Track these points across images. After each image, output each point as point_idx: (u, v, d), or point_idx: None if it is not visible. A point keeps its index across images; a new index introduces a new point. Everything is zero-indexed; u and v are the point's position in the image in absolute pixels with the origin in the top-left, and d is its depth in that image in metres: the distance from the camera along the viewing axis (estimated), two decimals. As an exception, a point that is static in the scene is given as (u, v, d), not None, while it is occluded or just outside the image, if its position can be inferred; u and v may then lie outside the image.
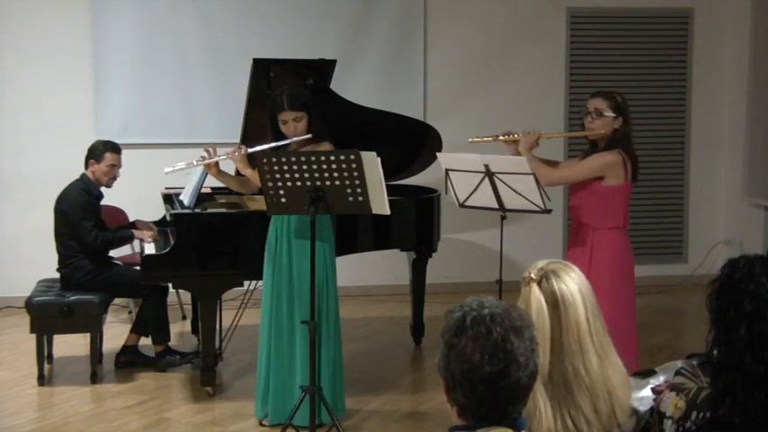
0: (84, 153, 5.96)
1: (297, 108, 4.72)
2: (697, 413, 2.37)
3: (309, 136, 4.75)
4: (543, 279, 2.20)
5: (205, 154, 4.91)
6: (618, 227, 4.66)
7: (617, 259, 4.65)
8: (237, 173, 5.29)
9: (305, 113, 4.74)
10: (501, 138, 4.82)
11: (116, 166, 5.94)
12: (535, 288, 2.19)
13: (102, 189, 5.97)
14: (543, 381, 2.11)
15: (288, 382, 4.84)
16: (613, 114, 4.63)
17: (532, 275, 2.21)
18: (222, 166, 4.99)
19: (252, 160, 4.75)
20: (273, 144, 4.72)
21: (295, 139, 4.73)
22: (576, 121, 8.00)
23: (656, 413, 2.47)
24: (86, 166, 5.91)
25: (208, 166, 4.90)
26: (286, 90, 4.81)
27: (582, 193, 4.72)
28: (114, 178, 5.96)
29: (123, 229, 6.08)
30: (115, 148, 5.94)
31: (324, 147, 4.76)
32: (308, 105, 4.78)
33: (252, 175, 4.78)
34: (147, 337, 5.98)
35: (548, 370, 2.13)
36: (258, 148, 4.70)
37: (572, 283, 2.19)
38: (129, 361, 5.94)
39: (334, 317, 4.94)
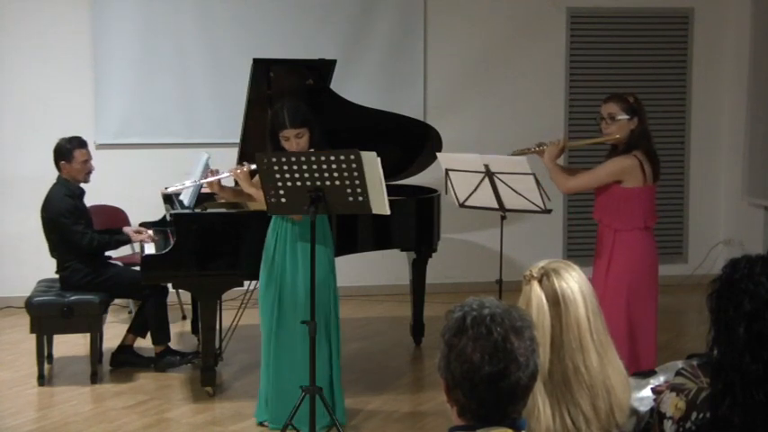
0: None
1: (298, 125, 4.71)
2: (697, 413, 2.37)
3: (312, 152, 4.74)
4: (544, 277, 2.21)
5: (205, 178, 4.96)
6: (638, 228, 4.68)
7: (638, 259, 4.68)
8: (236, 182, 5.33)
9: (306, 129, 4.73)
10: (534, 150, 4.84)
11: (88, 160, 5.90)
12: (536, 286, 2.20)
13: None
14: (543, 379, 2.12)
15: (292, 384, 4.81)
16: (627, 116, 4.66)
17: (533, 273, 2.22)
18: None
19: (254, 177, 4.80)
20: None
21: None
22: (576, 122, 8.03)
23: (656, 413, 2.47)
24: (58, 168, 5.85)
25: (210, 185, 4.94)
26: (286, 106, 4.76)
27: (603, 195, 4.76)
28: (89, 173, 5.92)
29: (114, 233, 6.05)
30: (82, 143, 5.90)
31: None
32: (309, 121, 4.76)
33: (256, 193, 4.79)
34: (143, 338, 5.98)
35: (547, 368, 2.14)
36: None
37: (573, 281, 2.21)
38: (126, 361, 5.94)
39: (338, 319, 4.96)
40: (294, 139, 4.71)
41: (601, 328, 2.21)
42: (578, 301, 2.19)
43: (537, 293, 2.19)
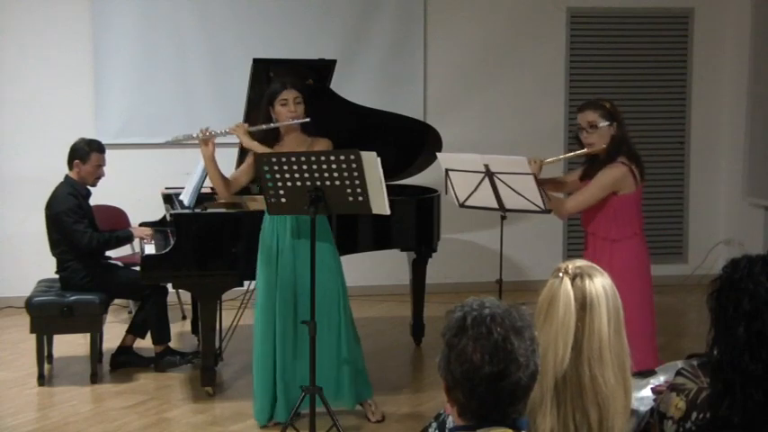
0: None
1: (298, 88, 4.84)
2: (697, 414, 2.37)
3: (308, 119, 4.80)
4: (578, 277, 2.16)
5: (200, 133, 4.89)
6: (635, 234, 4.64)
7: (635, 266, 4.61)
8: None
9: (302, 97, 4.84)
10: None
11: (101, 165, 5.92)
12: (567, 282, 2.14)
13: (96, 186, 5.97)
14: (556, 378, 2.09)
15: (305, 382, 4.75)
16: (607, 122, 4.60)
17: (568, 269, 2.17)
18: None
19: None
20: (272, 125, 4.80)
21: (296, 121, 4.77)
22: (576, 122, 8.01)
23: (656, 413, 2.47)
24: (70, 167, 5.87)
25: (205, 142, 4.84)
26: (283, 77, 4.99)
27: (595, 207, 4.66)
28: (99, 178, 5.94)
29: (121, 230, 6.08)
30: (101, 148, 5.92)
31: (321, 144, 4.80)
32: (305, 91, 4.91)
33: (258, 147, 4.77)
34: (143, 338, 5.98)
35: (566, 366, 2.11)
36: (257, 128, 4.80)
37: (603, 293, 2.15)
38: (125, 361, 5.94)
39: (346, 299, 5.04)
40: (293, 103, 4.81)
41: (621, 351, 2.17)
42: (603, 314, 2.14)
43: (567, 290, 2.13)
